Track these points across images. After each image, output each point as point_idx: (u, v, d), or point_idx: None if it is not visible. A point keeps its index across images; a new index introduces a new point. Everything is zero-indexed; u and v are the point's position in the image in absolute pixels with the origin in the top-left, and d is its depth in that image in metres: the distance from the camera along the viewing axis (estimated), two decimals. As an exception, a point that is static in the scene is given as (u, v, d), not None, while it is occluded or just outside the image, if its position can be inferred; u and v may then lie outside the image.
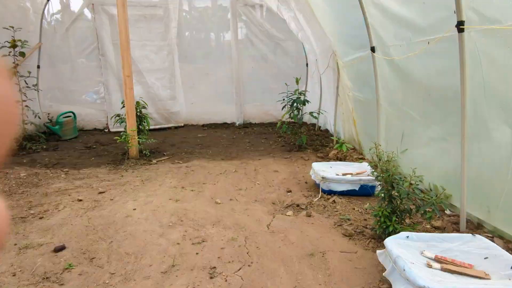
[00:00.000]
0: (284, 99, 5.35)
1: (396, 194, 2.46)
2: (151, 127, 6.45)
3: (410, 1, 2.94)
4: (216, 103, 7.61)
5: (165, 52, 6.96)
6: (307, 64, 7.28)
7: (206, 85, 7.62)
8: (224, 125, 7.47)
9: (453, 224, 2.75)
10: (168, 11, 6.80)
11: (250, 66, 7.56)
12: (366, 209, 3.05)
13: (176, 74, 7.12)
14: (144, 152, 4.82)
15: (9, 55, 5.41)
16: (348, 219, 2.89)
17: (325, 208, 3.14)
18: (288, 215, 3.02)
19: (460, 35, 2.39)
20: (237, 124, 7.48)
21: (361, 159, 4.41)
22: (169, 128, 7.15)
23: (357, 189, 3.34)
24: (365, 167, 3.62)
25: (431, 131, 3.13)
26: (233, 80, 7.49)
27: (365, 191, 3.35)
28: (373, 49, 3.81)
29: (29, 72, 5.82)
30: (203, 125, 7.43)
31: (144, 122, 5.04)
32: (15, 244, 2.55)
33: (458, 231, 2.64)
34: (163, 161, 4.75)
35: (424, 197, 2.48)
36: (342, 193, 3.37)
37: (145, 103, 5.25)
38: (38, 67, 6.52)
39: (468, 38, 2.38)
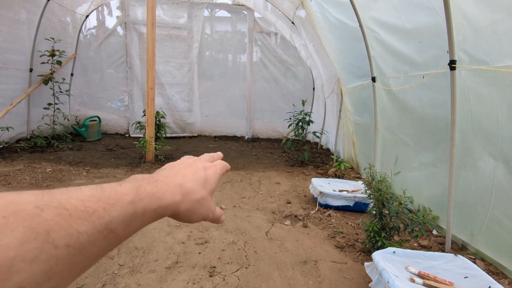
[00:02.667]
0: (290, 118, 5.45)
1: (387, 212, 2.49)
2: (168, 135, 6.58)
3: (409, 39, 3.03)
4: (228, 118, 7.76)
5: (186, 68, 7.16)
6: (314, 88, 7.39)
7: (221, 100, 7.80)
8: (234, 138, 7.57)
9: (439, 244, 2.74)
10: (192, 33, 7.03)
11: (262, 86, 7.72)
12: (359, 224, 3.06)
13: (194, 89, 7.30)
14: (159, 157, 4.92)
15: (47, 62, 5.65)
16: (341, 232, 2.91)
17: (320, 221, 3.16)
18: (286, 224, 3.05)
19: (452, 73, 2.46)
20: (246, 138, 7.58)
21: (358, 178, 4.43)
22: (184, 137, 7.28)
23: (351, 205, 3.37)
24: (360, 185, 3.65)
25: (422, 157, 3.16)
26: (245, 97, 7.64)
27: (359, 208, 3.37)
28: (373, 79, 3.89)
29: (63, 79, 6.05)
30: (215, 137, 7.55)
31: (162, 130, 5.16)
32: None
33: (443, 251, 2.63)
34: (176, 167, 4.83)
35: (412, 216, 2.50)
36: (337, 208, 3.40)
37: (164, 113, 5.39)
38: (72, 74, 6.76)
39: (459, 76, 2.45)
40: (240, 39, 7.71)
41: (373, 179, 2.58)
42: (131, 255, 2.39)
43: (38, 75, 5.63)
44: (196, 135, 7.46)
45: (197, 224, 2.91)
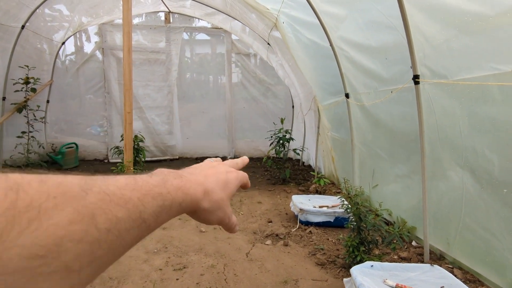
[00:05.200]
0: (271, 137, 5.51)
1: (364, 225, 2.51)
2: (148, 159, 6.50)
3: (376, 56, 3.17)
4: (210, 138, 7.76)
5: (165, 91, 7.18)
6: (293, 106, 7.54)
7: (202, 122, 7.82)
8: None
9: (418, 255, 2.77)
10: (171, 56, 7.12)
11: (242, 106, 7.80)
12: (339, 240, 3.07)
13: (174, 111, 7.30)
14: (138, 182, 4.83)
15: (21, 90, 5.55)
16: (322, 249, 2.90)
17: (301, 238, 3.14)
18: (267, 244, 3.02)
19: (416, 87, 2.57)
20: (228, 158, 7.56)
21: (339, 193, 4.47)
22: (165, 160, 7.20)
23: (332, 220, 3.38)
24: (337, 199, 3.68)
25: (397, 169, 3.24)
26: (226, 118, 7.69)
27: (339, 223, 3.38)
28: (347, 95, 4.02)
29: (38, 106, 5.93)
30: (196, 158, 7.50)
31: (141, 154, 5.10)
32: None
33: (422, 261, 2.66)
34: (155, 191, 4.75)
35: (389, 229, 2.53)
36: (318, 224, 3.40)
37: (142, 137, 5.34)
38: (48, 101, 6.65)
39: (423, 89, 2.57)
40: (220, 61, 7.85)
41: (349, 193, 2.62)
42: (105, 285, 2.30)
43: (11, 104, 5.51)
44: (177, 157, 7.39)
45: (176, 249, 2.84)
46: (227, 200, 0.49)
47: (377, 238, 2.54)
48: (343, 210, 3.26)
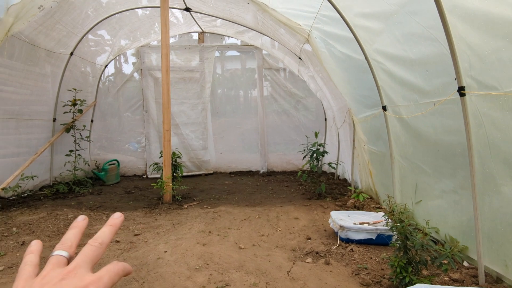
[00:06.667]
0: (304, 150, 5.49)
1: (411, 245, 2.41)
2: (184, 174, 6.69)
3: (415, 69, 3.09)
4: (242, 153, 7.86)
5: (200, 108, 7.43)
6: (325, 119, 7.48)
7: (234, 136, 7.96)
8: (250, 173, 7.61)
9: (472, 277, 2.60)
10: (204, 74, 7.38)
11: (273, 119, 7.87)
12: (383, 259, 2.95)
13: (208, 127, 7.52)
14: (176, 197, 4.99)
15: (69, 111, 5.99)
16: (366, 268, 2.81)
17: (343, 256, 3.07)
18: (308, 262, 2.97)
19: (462, 99, 2.48)
20: (261, 172, 7.60)
21: (378, 208, 4.33)
22: (199, 175, 7.37)
23: (374, 238, 3.27)
24: (381, 217, 3.56)
25: (442, 184, 3.09)
26: (258, 131, 7.78)
27: (382, 241, 3.27)
28: (384, 108, 3.93)
29: (84, 126, 6.37)
30: (230, 173, 7.61)
31: (178, 170, 5.27)
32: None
33: (477, 284, 2.49)
34: (193, 206, 4.88)
35: (439, 248, 2.40)
36: (359, 242, 3.30)
37: (180, 153, 5.53)
38: (92, 121, 7.12)
39: (469, 101, 2.46)
40: (250, 75, 8.02)
41: (393, 211, 2.54)
42: (152, 301, 2.37)
43: (61, 124, 5.96)
44: (211, 172, 7.55)
45: (217, 266, 2.88)
46: None
47: (426, 258, 2.42)
48: (385, 227, 3.16)
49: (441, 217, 3.12)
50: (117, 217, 0.49)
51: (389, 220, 2.60)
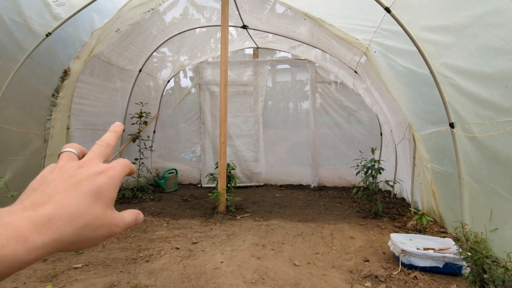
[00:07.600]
0: (358, 165, 5.29)
1: (490, 279, 2.17)
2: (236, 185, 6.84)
3: (491, 84, 2.84)
4: (293, 165, 7.80)
5: (252, 121, 7.59)
6: (381, 134, 7.14)
7: (285, 149, 7.95)
8: (300, 187, 7.52)
9: None
10: (257, 88, 7.55)
11: (325, 132, 7.71)
12: (453, 291, 2.70)
13: (259, 139, 7.63)
14: (230, 208, 5.10)
15: (136, 123, 6.52)
16: (433, 300, 2.59)
17: (406, 283, 2.86)
18: (367, 286, 2.83)
19: (552, 119, 2.21)
20: (312, 186, 7.47)
21: (443, 232, 3.99)
22: (250, 186, 7.47)
23: (441, 266, 3.00)
24: (449, 243, 3.27)
25: (525, 212, 2.75)
26: (309, 144, 7.68)
27: (450, 270, 2.99)
28: (452, 125, 3.65)
29: (148, 136, 6.87)
30: (280, 186, 7.60)
31: (232, 181, 5.40)
32: (128, 283, 2.86)
33: None
34: (245, 217, 4.95)
35: (523, 286, 2.13)
36: (423, 269, 3.06)
37: (234, 165, 5.68)
38: (154, 132, 7.65)
39: (562, 122, 2.18)
40: (300, 87, 7.99)
41: (467, 240, 2.32)
42: (211, 312, 2.43)
43: (128, 134, 6.50)
44: (262, 184, 7.61)
45: (273, 282, 2.87)
46: (106, 211, 0.39)
47: (508, 295, 2.16)
48: (454, 256, 2.89)
49: (523, 249, 2.76)
50: (118, 125, 0.54)
51: (461, 250, 2.38)
